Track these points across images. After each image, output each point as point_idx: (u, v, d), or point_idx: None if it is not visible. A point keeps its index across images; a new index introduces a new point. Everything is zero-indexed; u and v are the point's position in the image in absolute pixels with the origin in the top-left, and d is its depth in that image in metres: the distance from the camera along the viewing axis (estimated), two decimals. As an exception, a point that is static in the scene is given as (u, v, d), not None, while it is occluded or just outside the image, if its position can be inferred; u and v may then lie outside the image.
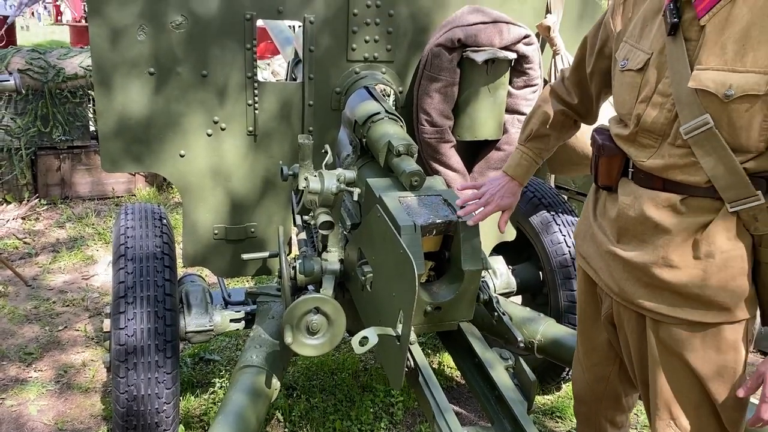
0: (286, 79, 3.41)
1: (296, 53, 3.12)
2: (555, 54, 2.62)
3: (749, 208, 1.35)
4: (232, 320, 2.49)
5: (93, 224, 5.05)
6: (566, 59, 2.61)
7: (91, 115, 5.57)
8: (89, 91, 5.44)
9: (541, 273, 2.90)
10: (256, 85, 2.42)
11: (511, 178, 1.88)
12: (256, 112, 2.45)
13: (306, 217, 2.08)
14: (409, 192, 1.93)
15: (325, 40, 2.44)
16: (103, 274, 4.26)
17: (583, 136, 2.00)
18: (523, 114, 2.59)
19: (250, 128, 2.47)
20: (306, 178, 1.94)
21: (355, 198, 1.98)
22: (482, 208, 1.83)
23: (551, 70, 2.63)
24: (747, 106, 1.29)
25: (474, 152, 2.70)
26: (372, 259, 1.88)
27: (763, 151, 1.33)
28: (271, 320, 2.36)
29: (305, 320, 1.88)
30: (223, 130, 2.44)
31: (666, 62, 1.40)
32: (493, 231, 2.06)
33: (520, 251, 3.03)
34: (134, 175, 5.76)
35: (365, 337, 1.62)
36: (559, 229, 2.77)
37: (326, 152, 2.05)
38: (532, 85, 2.57)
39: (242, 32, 2.35)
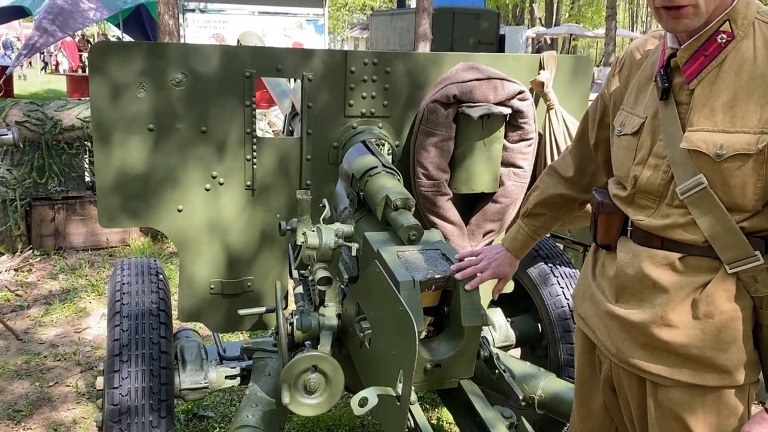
0: (282, 131, 3.44)
1: (293, 106, 3.15)
2: (549, 109, 2.67)
3: (748, 269, 1.34)
4: (227, 377, 2.44)
5: (86, 275, 5.01)
6: (560, 114, 2.66)
7: (86, 166, 5.58)
8: (86, 142, 5.47)
9: (539, 325, 2.88)
10: (254, 140, 2.44)
11: (507, 250, 1.92)
12: (255, 166, 2.46)
13: (303, 272, 2.06)
14: (408, 246, 1.93)
15: (323, 96, 2.48)
16: (95, 327, 4.20)
17: None
18: (518, 167, 2.62)
19: (248, 183, 2.47)
20: (304, 233, 1.94)
21: (354, 253, 1.98)
22: (479, 274, 1.84)
23: (545, 125, 2.68)
24: (739, 165, 1.30)
25: (471, 205, 2.71)
26: (370, 315, 1.86)
27: (759, 209, 1.33)
28: (267, 377, 2.32)
29: (303, 379, 1.85)
30: (221, 184, 2.45)
31: (660, 125, 1.43)
32: (491, 285, 2.07)
33: (518, 302, 3.01)
34: (129, 226, 5.75)
35: (365, 398, 1.59)
36: (557, 282, 2.76)
37: (324, 206, 2.05)
38: (527, 139, 2.60)
39: (242, 89, 2.38)
